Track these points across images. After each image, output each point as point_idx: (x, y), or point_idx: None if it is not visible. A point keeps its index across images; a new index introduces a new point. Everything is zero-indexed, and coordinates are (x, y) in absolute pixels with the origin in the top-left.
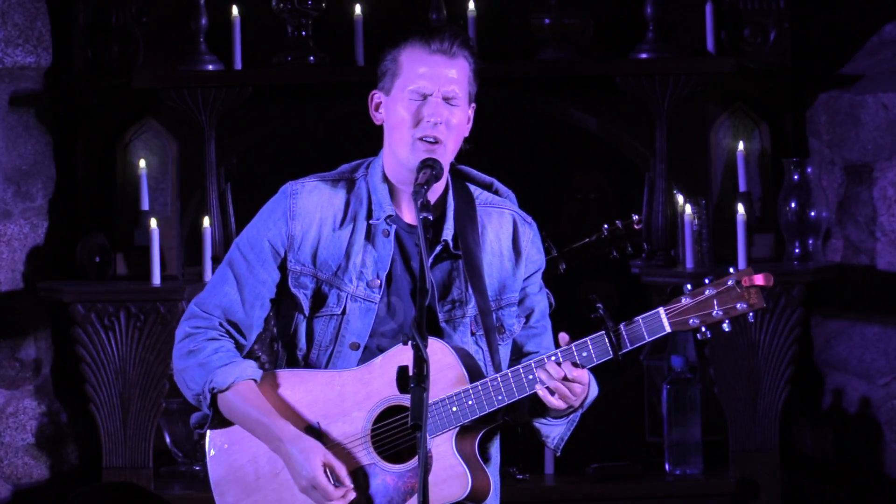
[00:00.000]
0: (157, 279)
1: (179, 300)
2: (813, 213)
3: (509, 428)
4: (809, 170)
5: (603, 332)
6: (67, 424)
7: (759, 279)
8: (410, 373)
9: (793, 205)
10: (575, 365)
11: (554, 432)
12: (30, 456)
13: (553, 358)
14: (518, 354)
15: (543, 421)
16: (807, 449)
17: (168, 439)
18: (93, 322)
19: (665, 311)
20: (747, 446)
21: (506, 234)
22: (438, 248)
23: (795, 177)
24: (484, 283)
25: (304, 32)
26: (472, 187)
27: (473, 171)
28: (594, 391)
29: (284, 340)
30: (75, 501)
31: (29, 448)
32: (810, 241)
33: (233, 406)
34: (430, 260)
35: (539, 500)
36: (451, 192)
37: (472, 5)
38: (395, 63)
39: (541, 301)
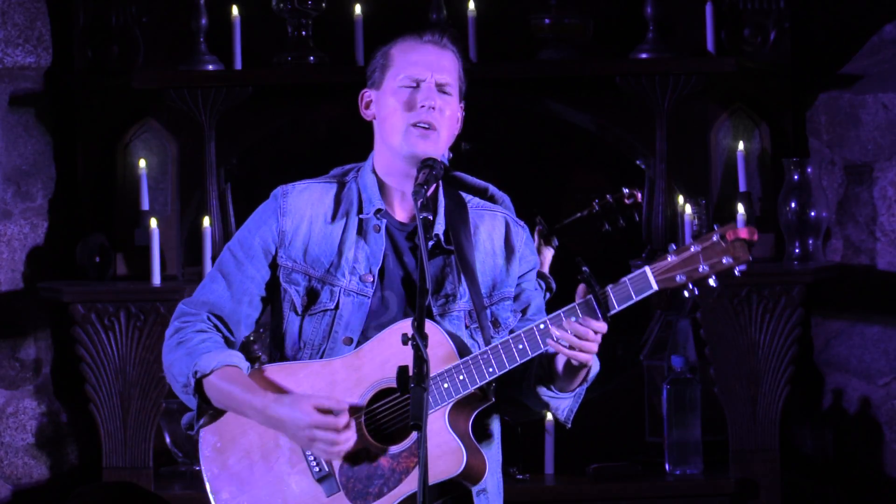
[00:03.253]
0: (157, 279)
1: (179, 300)
2: (813, 213)
3: (509, 428)
4: (809, 170)
5: (590, 295)
6: (67, 424)
7: (743, 232)
8: (410, 373)
9: (793, 205)
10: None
11: (563, 405)
12: (30, 456)
13: (542, 326)
14: None
15: (550, 394)
16: (807, 449)
17: (168, 439)
18: (93, 322)
19: (651, 269)
20: (747, 446)
21: (498, 234)
22: (430, 243)
23: (795, 177)
24: (477, 278)
25: (304, 32)
26: (464, 194)
27: (468, 177)
28: (595, 367)
29: (276, 341)
30: (75, 501)
31: (29, 448)
32: (810, 241)
33: (217, 389)
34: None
35: (539, 500)
36: (441, 191)
37: (472, 5)
38: (385, 57)
39: (536, 297)
